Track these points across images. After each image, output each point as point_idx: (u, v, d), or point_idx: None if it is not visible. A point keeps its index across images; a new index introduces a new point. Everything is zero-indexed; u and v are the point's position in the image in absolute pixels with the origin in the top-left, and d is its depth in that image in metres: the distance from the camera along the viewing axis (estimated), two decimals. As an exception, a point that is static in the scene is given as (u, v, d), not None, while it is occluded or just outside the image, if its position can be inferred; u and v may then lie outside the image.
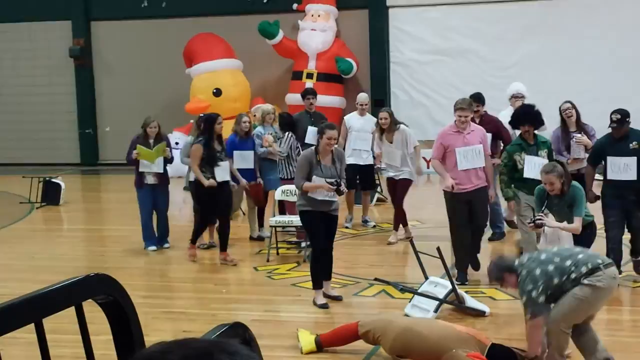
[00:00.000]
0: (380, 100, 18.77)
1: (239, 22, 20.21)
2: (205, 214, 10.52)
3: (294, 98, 19.14)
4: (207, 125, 10.34)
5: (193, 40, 19.58)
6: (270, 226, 10.78)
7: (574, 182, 7.58)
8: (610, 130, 8.66)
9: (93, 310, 2.21)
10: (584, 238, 7.42)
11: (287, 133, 11.23)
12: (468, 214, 9.05)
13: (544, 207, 7.49)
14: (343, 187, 8.27)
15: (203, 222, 10.63)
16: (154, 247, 11.18)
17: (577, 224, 7.38)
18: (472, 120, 11.16)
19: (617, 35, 17.98)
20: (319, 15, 19.51)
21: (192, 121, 15.90)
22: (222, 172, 10.27)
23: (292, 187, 11.63)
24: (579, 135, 9.76)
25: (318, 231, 8.39)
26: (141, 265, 10.66)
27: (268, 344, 7.02)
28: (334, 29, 19.66)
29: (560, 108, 10.16)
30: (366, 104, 12.17)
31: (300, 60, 19.43)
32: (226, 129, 18.39)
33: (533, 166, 8.72)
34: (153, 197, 11.07)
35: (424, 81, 19.61)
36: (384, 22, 19.95)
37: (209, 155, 10.20)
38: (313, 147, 8.42)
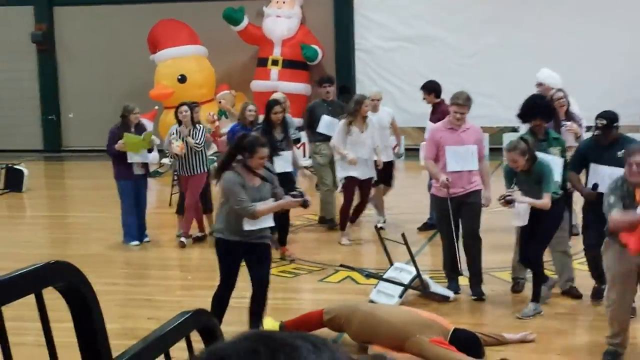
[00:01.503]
0: (346, 87, 18.76)
1: (203, 8, 20.07)
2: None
3: (259, 85, 19.11)
4: (265, 112, 9.97)
5: (157, 26, 19.43)
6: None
7: (540, 158, 7.49)
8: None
9: (56, 298, 2.20)
10: (553, 214, 7.46)
11: (199, 125, 10.62)
12: (456, 221, 8.07)
13: (512, 185, 7.52)
14: (308, 197, 7.36)
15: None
16: (137, 242, 10.71)
17: (546, 199, 7.35)
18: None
19: (577, 25, 18.10)
20: (283, 2, 19.45)
21: (156, 108, 15.82)
22: (282, 163, 9.62)
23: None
24: (569, 123, 9.17)
25: (234, 266, 7.08)
26: (105, 253, 10.57)
27: (234, 330, 6.94)
28: (299, 15, 19.61)
29: (551, 96, 9.91)
30: (378, 99, 11.05)
31: (266, 46, 19.37)
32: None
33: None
34: (136, 190, 10.56)
35: (389, 68, 19.65)
36: (349, 9, 19.93)
37: (268, 143, 9.63)
38: (234, 169, 6.82)
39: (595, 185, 7.40)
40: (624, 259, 6.20)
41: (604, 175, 7.24)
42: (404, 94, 18.76)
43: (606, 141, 7.45)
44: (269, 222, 6.93)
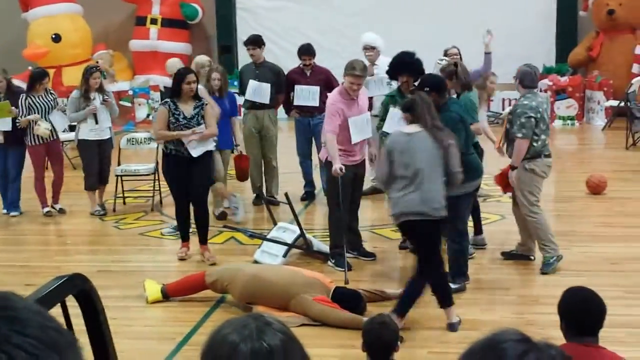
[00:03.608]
0: (227, 46, 18.58)
1: (78, -36, 19.40)
2: (176, 195, 8.18)
3: (137, 44, 18.68)
4: (174, 82, 7.99)
5: (28, -18, 18.67)
6: (116, 175, 10.48)
7: (453, 113, 6.96)
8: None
9: None
10: None
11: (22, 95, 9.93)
12: (350, 191, 7.77)
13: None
14: None
15: (177, 205, 8.22)
16: (17, 213, 10.20)
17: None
18: (303, 72, 10.59)
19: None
20: (162, -42, 18.99)
21: (29, 68, 15.23)
22: (193, 144, 7.95)
23: (138, 135, 11.38)
24: None
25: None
26: (-21, 219, 10.19)
27: (115, 294, 6.93)
28: (178, -28, 19.18)
29: (446, 52, 9.69)
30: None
31: (144, 5, 18.89)
32: (68, 77, 17.65)
33: (396, 121, 7.41)
34: (4, 159, 10.08)
35: (272, 28, 19.47)
36: (229, -34, 19.64)
37: (176, 121, 7.88)
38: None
39: None
40: None
41: None
42: (287, 54, 18.66)
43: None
44: None
